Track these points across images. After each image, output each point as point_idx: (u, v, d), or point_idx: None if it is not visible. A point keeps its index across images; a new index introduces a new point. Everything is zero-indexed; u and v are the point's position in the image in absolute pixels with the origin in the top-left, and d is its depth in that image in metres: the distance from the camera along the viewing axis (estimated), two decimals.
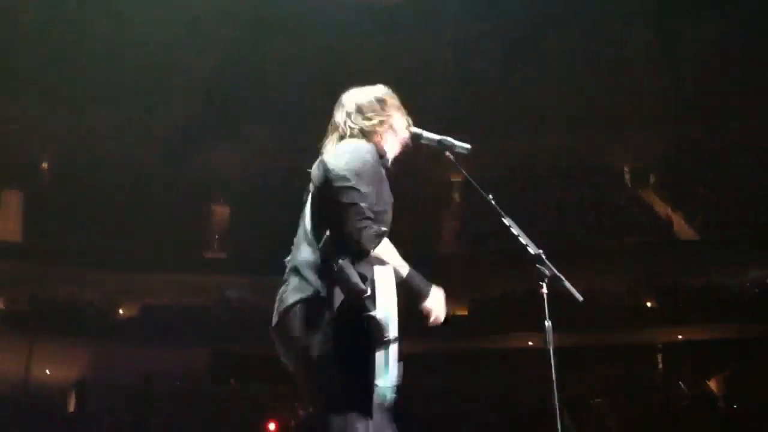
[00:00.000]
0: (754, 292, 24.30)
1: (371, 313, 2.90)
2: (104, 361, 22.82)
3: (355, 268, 2.97)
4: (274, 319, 3.22)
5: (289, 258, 3.33)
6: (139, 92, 23.55)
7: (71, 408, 23.36)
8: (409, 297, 3.21)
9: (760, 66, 24.03)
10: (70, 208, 23.76)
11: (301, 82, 24.43)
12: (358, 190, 3.06)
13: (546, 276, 3.18)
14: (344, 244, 3.02)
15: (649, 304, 25.09)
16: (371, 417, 2.94)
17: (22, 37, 21.99)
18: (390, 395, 2.96)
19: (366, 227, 3.00)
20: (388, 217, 3.24)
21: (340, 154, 3.20)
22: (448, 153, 3.40)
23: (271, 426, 20.20)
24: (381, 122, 3.37)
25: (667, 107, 25.45)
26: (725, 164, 26.87)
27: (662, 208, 27.71)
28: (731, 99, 24.74)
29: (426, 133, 3.44)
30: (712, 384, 22.68)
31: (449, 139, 3.39)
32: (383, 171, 3.26)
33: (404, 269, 3.22)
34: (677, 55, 24.95)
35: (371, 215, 3.03)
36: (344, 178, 3.09)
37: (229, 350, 23.86)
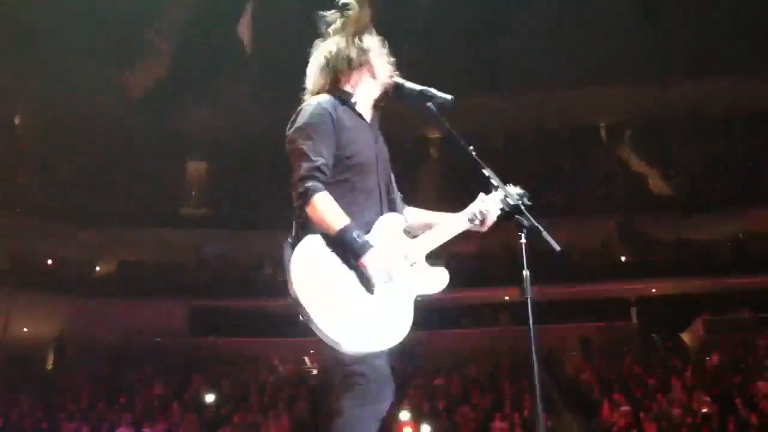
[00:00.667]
0: (726, 246, 24.73)
1: (291, 297, 2.90)
2: (83, 317, 22.83)
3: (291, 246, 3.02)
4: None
5: None
6: (117, 45, 23.15)
7: (50, 364, 23.38)
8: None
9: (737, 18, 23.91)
10: (47, 163, 23.51)
11: (282, 38, 24.15)
12: (301, 149, 3.12)
13: (525, 226, 3.20)
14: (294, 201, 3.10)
15: (623, 258, 25.43)
16: (370, 366, 3.04)
17: None
18: (387, 343, 2.99)
19: (299, 186, 3.06)
20: (365, 159, 3.26)
21: (293, 118, 3.26)
22: (429, 104, 3.37)
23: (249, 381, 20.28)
24: (358, 66, 3.36)
25: (647, 63, 25.40)
26: (701, 122, 27.04)
27: (637, 165, 27.94)
28: (712, 56, 24.71)
29: (408, 83, 3.41)
30: (685, 336, 23.09)
31: (431, 89, 3.37)
32: (348, 117, 3.27)
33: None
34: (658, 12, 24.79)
35: (313, 172, 3.07)
36: (295, 129, 3.19)
37: (206, 305, 23.93)
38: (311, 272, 2.93)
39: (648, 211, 24.88)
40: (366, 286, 3.03)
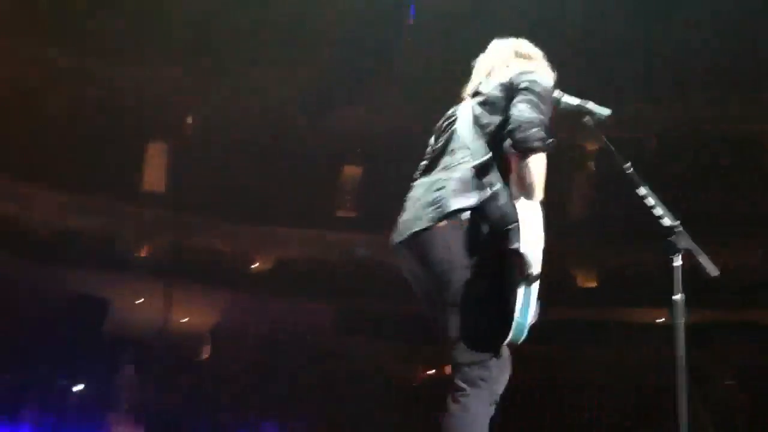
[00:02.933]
0: None
1: (516, 247, 2.85)
2: (237, 311, 23.79)
3: (507, 198, 2.96)
4: (419, 224, 3.17)
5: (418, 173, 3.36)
6: (281, 47, 23.88)
7: (205, 355, 24.46)
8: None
9: None
10: (211, 162, 24.61)
11: (437, 44, 24.26)
12: (541, 106, 3.08)
13: (681, 248, 3.08)
14: (511, 131, 3.00)
15: None
16: (499, 354, 2.98)
17: None
18: (524, 334, 2.93)
19: (540, 128, 2.99)
20: None
21: (537, 71, 3.28)
22: (587, 118, 3.31)
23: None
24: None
25: None
26: None
27: None
28: None
29: (565, 97, 3.36)
30: None
31: (588, 104, 3.30)
32: None
33: None
34: None
35: (547, 125, 3.03)
36: (542, 87, 3.15)
37: (354, 306, 24.35)
38: (539, 230, 2.92)
39: None
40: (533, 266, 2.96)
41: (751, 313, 22.27)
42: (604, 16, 22.11)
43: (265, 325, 23.22)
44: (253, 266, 26.80)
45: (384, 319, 23.20)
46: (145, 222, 24.22)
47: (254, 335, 23.18)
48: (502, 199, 2.95)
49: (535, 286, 2.89)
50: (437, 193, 3.10)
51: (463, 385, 2.95)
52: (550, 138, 2.99)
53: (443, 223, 3.02)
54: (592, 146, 27.34)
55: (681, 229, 3.10)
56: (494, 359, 2.96)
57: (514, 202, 2.93)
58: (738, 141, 26.30)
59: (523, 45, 3.45)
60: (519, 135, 2.95)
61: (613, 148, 3.23)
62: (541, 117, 3.00)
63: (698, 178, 24.88)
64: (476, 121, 3.20)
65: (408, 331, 22.75)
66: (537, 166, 2.94)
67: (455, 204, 3.03)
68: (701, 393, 18.66)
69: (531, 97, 3.05)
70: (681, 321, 3.03)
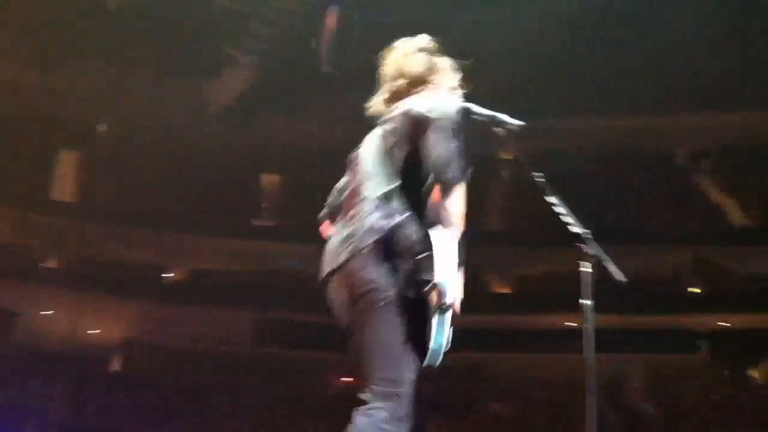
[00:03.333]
0: None
1: (426, 278, 2.91)
2: (152, 323, 23.33)
3: (417, 225, 3.03)
4: (341, 259, 3.17)
5: (323, 214, 3.39)
6: (198, 57, 23.64)
7: (118, 367, 23.90)
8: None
9: None
10: (124, 171, 24.12)
11: (358, 52, 24.34)
12: (451, 136, 3.11)
13: (588, 255, 3.18)
14: (432, 169, 3.05)
15: (695, 290, 24.79)
16: (414, 377, 3.01)
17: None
18: (439, 359, 2.98)
19: (455, 163, 3.04)
20: None
21: (441, 100, 3.26)
22: (498, 129, 3.38)
23: None
24: (435, 83, 3.41)
25: (726, 91, 24.74)
26: None
27: (714, 194, 27.22)
28: None
29: (476, 108, 3.40)
30: (755, 373, 22.40)
31: (500, 115, 3.36)
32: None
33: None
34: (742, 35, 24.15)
35: (456, 158, 3.07)
36: (449, 119, 3.16)
37: (273, 317, 24.16)
38: (453, 257, 2.97)
39: (724, 242, 24.21)
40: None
41: (662, 319, 23.06)
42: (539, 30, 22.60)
43: (180, 336, 22.82)
44: (167, 276, 26.36)
45: (301, 328, 23.09)
46: (54, 231, 23.50)
47: (168, 346, 22.76)
48: (409, 228, 3.00)
49: (449, 315, 2.95)
50: (350, 229, 3.14)
51: (374, 401, 2.96)
52: (467, 168, 3.05)
53: (361, 252, 3.05)
54: (504, 156, 27.84)
55: (590, 236, 3.19)
56: (409, 378, 2.99)
57: (432, 230, 2.98)
58: (655, 157, 27.26)
59: (425, 53, 3.43)
60: (438, 173, 3.03)
61: (524, 159, 3.31)
62: (454, 150, 3.05)
63: (616, 192, 25.64)
64: (385, 150, 3.25)
65: (325, 340, 22.77)
66: (456, 200, 3.01)
67: (367, 238, 3.06)
68: (609, 396, 19.23)
69: (442, 132, 3.09)
70: (590, 325, 3.11)
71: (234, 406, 20.11)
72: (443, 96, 3.34)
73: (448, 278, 2.92)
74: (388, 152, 3.22)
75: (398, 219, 3.04)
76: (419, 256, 2.95)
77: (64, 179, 25.55)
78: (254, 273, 25.65)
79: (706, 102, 24.81)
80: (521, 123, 3.37)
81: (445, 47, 3.55)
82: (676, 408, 19.64)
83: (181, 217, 24.30)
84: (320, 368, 22.39)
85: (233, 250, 24.97)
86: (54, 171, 25.56)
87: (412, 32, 3.59)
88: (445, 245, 2.98)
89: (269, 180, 28.97)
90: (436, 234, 2.98)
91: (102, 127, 25.55)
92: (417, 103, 3.25)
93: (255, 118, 25.66)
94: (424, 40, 3.52)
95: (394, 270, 2.99)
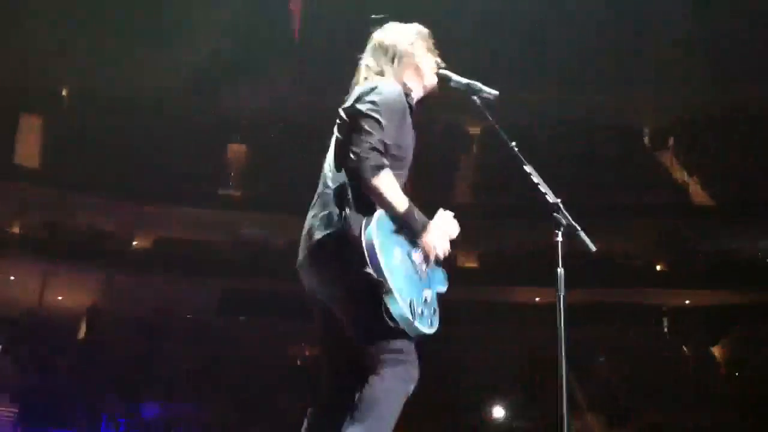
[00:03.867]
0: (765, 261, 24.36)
1: (368, 271, 2.94)
2: (116, 291, 23.18)
3: (356, 216, 3.05)
4: (302, 254, 3.27)
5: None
6: (164, 26, 23.41)
7: (82, 335, 23.76)
8: None
9: None
10: (89, 137, 23.82)
11: (323, 23, 24.23)
12: (378, 121, 3.08)
13: (562, 224, 3.20)
14: (346, 163, 3.07)
15: (659, 267, 25.15)
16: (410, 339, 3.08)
17: None
18: (414, 324, 3.00)
19: (368, 158, 3.01)
20: (407, 161, 3.28)
21: (370, 85, 3.22)
22: (475, 97, 3.38)
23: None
24: (406, 63, 3.38)
25: (696, 68, 24.99)
26: (748, 130, 26.52)
27: (680, 171, 27.55)
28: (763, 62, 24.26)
29: (454, 76, 3.42)
30: (716, 350, 22.82)
31: (477, 83, 3.37)
32: (408, 113, 3.27)
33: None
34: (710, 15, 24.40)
35: (382, 148, 3.05)
36: (371, 103, 3.13)
37: (239, 286, 24.11)
38: (387, 248, 2.99)
39: (688, 218, 24.52)
40: (419, 271, 3.12)
41: (631, 294, 23.38)
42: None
43: (146, 304, 22.69)
44: (133, 245, 26.18)
45: (269, 298, 23.09)
46: (18, 198, 23.17)
47: (135, 316, 22.63)
48: (354, 223, 3.02)
49: (399, 293, 2.95)
50: (309, 223, 3.23)
51: (381, 368, 3.02)
52: (382, 162, 3.01)
53: (319, 243, 3.13)
54: (474, 130, 27.98)
55: (561, 206, 3.21)
56: (406, 344, 3.06)
57: (376, 220, 3.00)
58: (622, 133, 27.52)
59: (399, 34, 3.40)
60: (350, 167, 3.04)
61: (498, 128, 3.32)
62: (372, 143, 3.02)
63: (584, 167, 25.85)
64: (336, 145, 3.28)
65: (293, 309, 22.80)
66: (384, 186, 3.01)
67: (317, 235, 3.14)
68: (577, 369, 19.49)
69: (364, 123, 3.07)
70: (562, 293, 3.14)
71: (200, 376, 20.08)
72: (385, 81, 3.29)
73: (383, 265, 2.94)
74: (340, 147, 3.24)
75: (341, 219, 3.09)
76: (361, 250, 2.97)
77: (26, 144, 25.13)
78: (221, 243, 25.55)
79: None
80: (496, 92, 3.39)
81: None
82: (636, 381, 19.96)
83: (146, 186, 24.05)
84: (286, 337, 22.43)
85: (200, 219, 24.82)
86: (17, 137, 25.10)
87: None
88: (376, 230, 2.99)
89: (236, 150, 28.82)
90: (371, 222, 3.01)
91: (65, 92, 25.26)
92: (356, 93, 3.25)
93: (222, 87, 25.49)
94: (415, 26, 3.50)
95: (347, 267, 3.03)
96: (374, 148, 3.02)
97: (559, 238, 3.19)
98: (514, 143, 3.29)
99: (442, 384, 17.97)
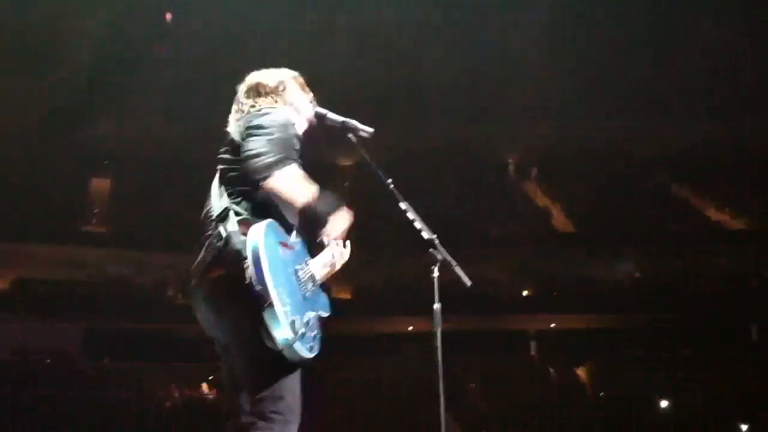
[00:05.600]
0: (625, 284, 25.52)
1: (249, 283, 2.90)
2: None
3: (239, 224, 3.04)
4: (194, 283, 3.20)
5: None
6: (26, 57, 22.58)
7: None
8: None
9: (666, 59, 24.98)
10: None
11: (186, 59, 24.01)
12: (266, 135, 3.13)
13: (438, 260, 3.27)
14: (244, 167, 3.07)
15: (525, 293, 25.90)
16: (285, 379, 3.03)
17: None
18: (294, 346, 2.95)
19: (263, 157, 3.04)
20: None
21: (261, 111, 3.28)
22: (350, 135, 3.41)
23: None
24: (283, 99, 3.41)
25: (555, 101, 26.08)
26: (603, 162, 27.87)
27: (543, 201, 28.62)
28: (625, 95, 25.66)
29: (330, 114, 3.46)
30: (581, 372, 23.62)
31: (352, 121, 3.42)
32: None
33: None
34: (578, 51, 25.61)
35: (285, 146, 3.10)
36: (260, 117, 3.22)
37: (104, 327, 23.21)
38: (272, 258, 2.93)
39: (551, 247, 25.45)
40: (303, 290, 3.08)
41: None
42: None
43: (6, 348, 21.52)
44: None
45: (135, 338, 22.35)
46: None
47: None
48: (235, 237, 3.01)
49: (279, 307, 2.89)
50: (197, 259, 3.18)
51: (256, 421, 2.96)
52: (282, 159, 3.05)
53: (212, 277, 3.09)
54: (346, 162, 28.17)
55: (437, 242, 3.28)
56: (286, 387, 2.98)
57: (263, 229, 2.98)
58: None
59: (264, 80, 3.45)
60: (249, 169, 3.04)
61: (373, 165, 3.37)
62: (267, 148, 3.06)
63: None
64: (221, 177, 3.28)
65: (162, 350, 22.13)
66: (284, 183, 3.04)
67: (202, 259, 3.12)
68: (449, 397, 19.71)
69: (256, 132, 3.13)
70: (439, 329, 3.20)
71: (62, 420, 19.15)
72: (279, 103, 3.38)
73: (264, 275, 2.91)
74: (226, 175, 3.26)
75: (221, 243, 3.06)
76: (244, 265, 2.94)
77: None
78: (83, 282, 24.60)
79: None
80: (371, 130, 3.44)
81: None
82: (508, 407, 20.39)
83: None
84: (152, 379, 21.78)
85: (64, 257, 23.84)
86: None
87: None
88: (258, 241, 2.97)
89: (98, 185, 27.95)
90: (251, 232, 2.98)
91: None
92: (242, 121, 3.29)
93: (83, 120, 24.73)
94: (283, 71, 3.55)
95: (233, 289, 2.98)
96: (272, 151, 3.05)
97: (435, 274, 3.25)
98: (390, 180, 3.35)
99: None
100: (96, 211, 27.49)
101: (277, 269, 2.94)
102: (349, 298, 24.74)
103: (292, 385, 3.05)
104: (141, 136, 25.46)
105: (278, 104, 3.38)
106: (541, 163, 29.56)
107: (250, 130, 3.16)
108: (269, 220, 3.03)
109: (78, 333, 23.30)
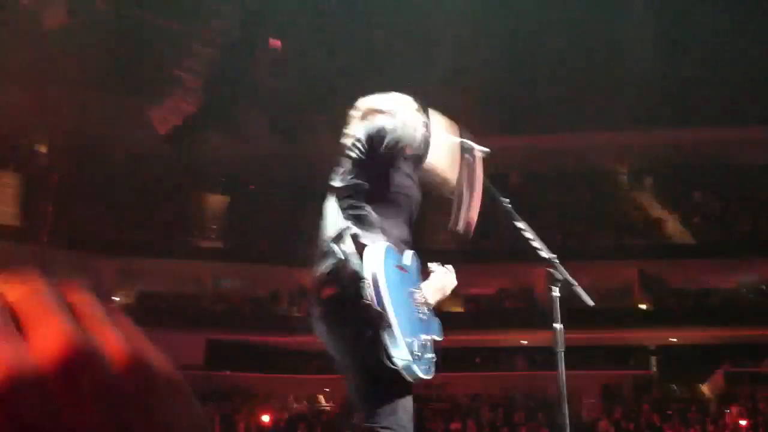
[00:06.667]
0: (748, 297, 24.49)
1: (367, 302, 2.92)
2: None
3: (355, 244, 3.06)
4: (311, 301, 3.28)
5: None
6: (142, 76, 23.47)
7: None
8: None
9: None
10: (69, 191, 23.68)
11: (301, 75, 24.48)
12: (352, 152, 3.21)
13: (558, 280, 3.23)
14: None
15: (644, 306, 25.16)
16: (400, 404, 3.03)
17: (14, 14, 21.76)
18: (419, 369, 2.97)
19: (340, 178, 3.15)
20: (398, 203, 3.31)
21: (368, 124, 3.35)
22: (467, 155, 3.40)
23: (265, 418, 20.21)
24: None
25: (666, 108, 25.41)
26: (722, 169, 26.87)
27: (658, 211, 27.77)
28: (732, 102, 24.74)
29: (450, 137, 3.44)
30: (705, 387, 22.80)
31: (469, 142, 3.40)
32: (398, 160, 3.31)
33: None
34: (681, 55, 24.89)
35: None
36: (353, 137, 3.29)
37: (223, 339, 23.85)
38: (391, 281, 2.96)
39: (669, 258, 24.65)
40: (419, 313, 3.10)
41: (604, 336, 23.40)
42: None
43: None
44: (115, 300, 25.86)
45: (253, 350, 22.91)
46: None
47: None
48: (353, 260, 3.03)
49: (397, 327, 2.92)
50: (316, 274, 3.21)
51: None
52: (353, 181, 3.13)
53: (327, 295, 3.10)
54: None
55: (557, 261, 3.24)
56: (400, 404, 3.00)
57: (383, 251, 3.01)
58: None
59: (377, 105, 3.47)
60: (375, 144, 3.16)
61: (493, 187, 3.35)
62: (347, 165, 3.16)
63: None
64: (336, 196, 3.30)
65: (280, 361, 22.61)
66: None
67: (319, 276, 3.14)
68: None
69: (348, 152, 3.22)
70: (562, 350, 3.15)
71: None
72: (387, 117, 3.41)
73: (382, 295, 2.94)
74: (338, 195, 3.34)
75: (336, 260, 3.10)
76: (360, 284, 3.00)
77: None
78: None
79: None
80: (488, 150, 3.42)
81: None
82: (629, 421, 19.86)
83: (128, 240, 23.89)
84: (270, 390, 22.21)
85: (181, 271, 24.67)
86: None
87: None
88: (374, 258, 3.02)
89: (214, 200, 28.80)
90: (368, 250, 3.04)
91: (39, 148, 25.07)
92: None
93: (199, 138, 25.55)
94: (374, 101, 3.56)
95: (347, 310, 3.05)
96: (352, 165, 3.16)
97: (556, 293, 3.21)
98: (507, 200, 3.33)
99: None
100: (213, 226, 28.25)
101: (394, 292, 2.95)
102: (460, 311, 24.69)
103: (405, 403, 3.07)
104: (255, 154, 26.08)
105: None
106: (655, 173, 28.67)
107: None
108: (387, 243, 3.05)
109: (199, 344, 24.01)
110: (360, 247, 3.06)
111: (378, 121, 3.27)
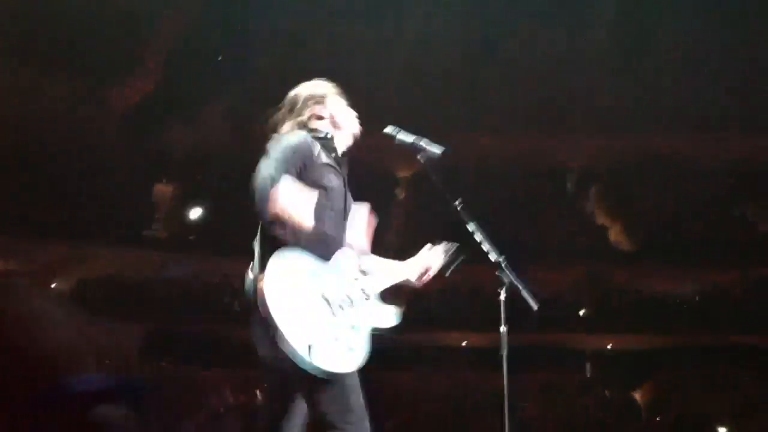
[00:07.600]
0: (694, 302, 24.85)
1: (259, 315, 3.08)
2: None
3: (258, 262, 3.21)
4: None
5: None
6: (97, 62, 23.06)
7: None
8: None
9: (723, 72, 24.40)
10: (11, 174, 23.10)
11: (257, 66, 24.27)
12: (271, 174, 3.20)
13: (505, 283, 3.25)
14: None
15: (583, 311, 25.47)
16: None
17: None
18: (307, 359, 3.04)
19: (263, 176, 3.17)
20: (321, 203, 3.32)
21: (270, 145, 3.38)
22: (420, 156, 3.40)
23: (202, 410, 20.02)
24: (317, 117, 3.48)
25: (616, 112, 25.65)
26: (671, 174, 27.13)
27: (604, 215, 28.08)
28: (689, 108, 25.12)
29: (400, 135, 3.45)
30: (637, 394, 23.16)
31: (422, 142, 3.40)
32: (315, 158, 3.34)
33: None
34: (637, 61, 25.22)
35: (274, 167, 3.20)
36: (271, 146, 3.34)
37: (162, 329, 23.56)
38: (278, 288, 3.06)
39: (609, 262, 25.00)
40: (328, 306, 3.18)
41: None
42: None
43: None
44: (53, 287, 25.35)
45: (193, 342, 22.66)
46: None
47: None
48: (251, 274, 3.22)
49: (354, 323, 3.14)
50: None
51: None
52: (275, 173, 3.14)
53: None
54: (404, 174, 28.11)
55: (505, 263, 3.26)
56: (355, 403, 3.05)
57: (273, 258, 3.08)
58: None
59: (309, 89, 3.54)
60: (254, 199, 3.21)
61: (442, 186, 3.36)
62: (264, 181, 3.15)
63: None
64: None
65: (218, 355, 22.37)
66: (288, 206, 3.08)
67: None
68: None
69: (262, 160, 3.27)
70: (505, 352, 3.18)
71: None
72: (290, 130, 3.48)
73: (275, 311, 3.09)
74: None
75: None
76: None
77: None
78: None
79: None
80: (441, 150, 3.43)
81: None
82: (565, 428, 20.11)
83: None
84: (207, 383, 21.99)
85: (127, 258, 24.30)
86: None
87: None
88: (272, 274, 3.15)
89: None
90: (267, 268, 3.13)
91: None
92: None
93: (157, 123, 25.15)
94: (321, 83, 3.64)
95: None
96: (268, 180, 3.16)
97: (503, 296, 3.24)
98: (458, 200, 3.34)
99: None
100: (158, 215, 27.87)
101: (285, 295, 3.06)
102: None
103: (356, 399, 3.11)
104: (206, 142, 25.78)
105: (309, 121, 3.49)
106: (603, 175, 28.95)
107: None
108: (294, 250, 3.14)
109: (136, 334, 23.68)
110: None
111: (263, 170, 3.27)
